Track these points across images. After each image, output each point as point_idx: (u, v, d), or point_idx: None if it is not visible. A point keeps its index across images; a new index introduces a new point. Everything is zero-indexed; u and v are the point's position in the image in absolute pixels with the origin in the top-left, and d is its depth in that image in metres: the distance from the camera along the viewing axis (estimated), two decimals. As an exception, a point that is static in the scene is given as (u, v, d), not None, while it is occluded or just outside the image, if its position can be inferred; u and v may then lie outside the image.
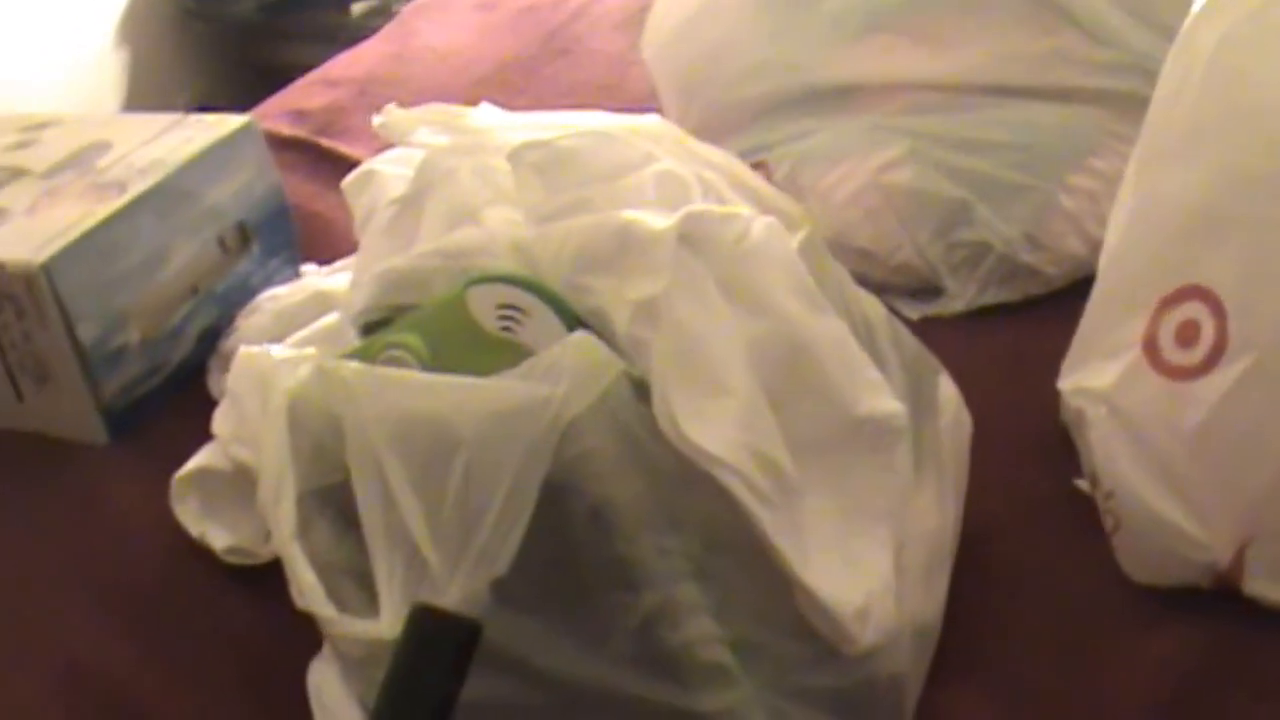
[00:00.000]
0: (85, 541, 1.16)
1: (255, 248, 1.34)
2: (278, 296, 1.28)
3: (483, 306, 0.88)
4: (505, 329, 0.88)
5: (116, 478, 1.22)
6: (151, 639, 1.08)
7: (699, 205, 0.94)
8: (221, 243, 1.31)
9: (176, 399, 1.27)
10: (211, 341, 1.30)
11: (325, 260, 1.37)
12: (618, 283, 0.87)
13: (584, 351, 0.84)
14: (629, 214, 0.89)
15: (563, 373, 0.82)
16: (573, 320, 0.87)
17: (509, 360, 0.85)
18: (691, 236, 0.89)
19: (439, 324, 0.90)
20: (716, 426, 0.85)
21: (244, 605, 1.09)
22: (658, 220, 0.88)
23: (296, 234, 1.40)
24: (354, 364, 0.88)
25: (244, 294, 1.32)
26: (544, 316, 0.87)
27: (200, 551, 1.12)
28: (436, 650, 0.80)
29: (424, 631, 0.80)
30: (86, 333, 1.19)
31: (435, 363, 0.89)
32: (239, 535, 1.10)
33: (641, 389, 0.85)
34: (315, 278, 1.32)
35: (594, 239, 0.89)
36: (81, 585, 1.12)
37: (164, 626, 1.09)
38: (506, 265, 0.91)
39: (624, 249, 0.88)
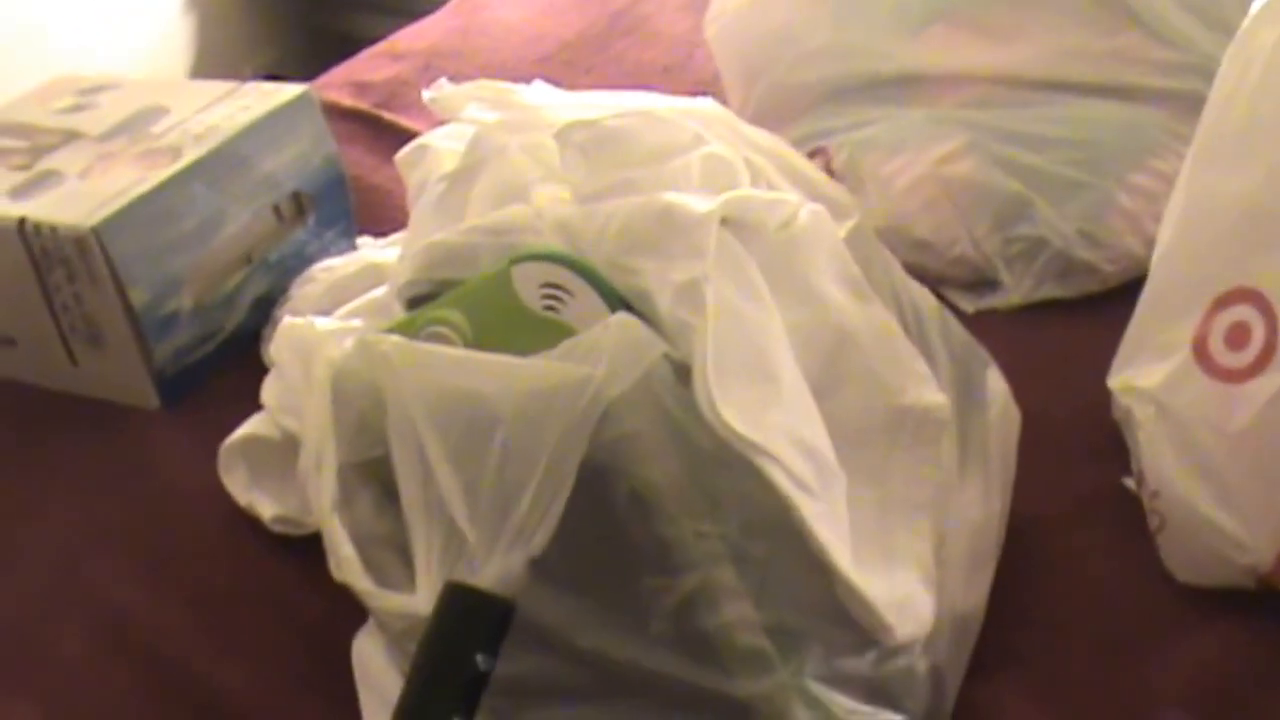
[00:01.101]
0: (135, 505, 1.17)
1: (311, 217, 1.34)
2: (332, 267, 1.28)
3: (527, 284, 0.88)
4: (548, 308, 0.88)
5: (167, 443, 1.22)
6: (199, 603, 1.08)
7: (744, 189, 0.93)
8: (277, 211, 1.31)
9: (230, 366, 1.28)
10: (266, 310, 1.30)
11: (383, 233, 1.37)
12: (661, 264, 0.87)
13: (626, 332, 0.83)
14: (672, 196, 0.88)
15: (604, 353, 0.82)
16: (616, 301, 0.87)
17: (551, 339, 0.85)
18: (735, 220, 0.89)
19: (482, 300, 0.90)
20: (757, 412, 0.84)
21: (292, 573, 1.09)
22: (702, 203, 0.88)
23: (354, 205, 1.40)
24: (396, 338, 0.88)
25: (299, 263, 1.32)
26: (587, 296, 0.87)
27: (249, 518, 1.13)
28: (468, 628, 0.80)
29: (456, 609, 0.81)
30: (138, 297, 1.19)
31: (477, 339, 0.89)
32: (286, 505, 1.11)
33: (683, 372, 0.85)
34: (370, 250, 1.32)
35: (637, 220, 0.88)
36: (131, 548, 1.13)
37: (212, 591, 1.10)
38: (551, 244, 0.91)
39: (667, 231, 0.87)
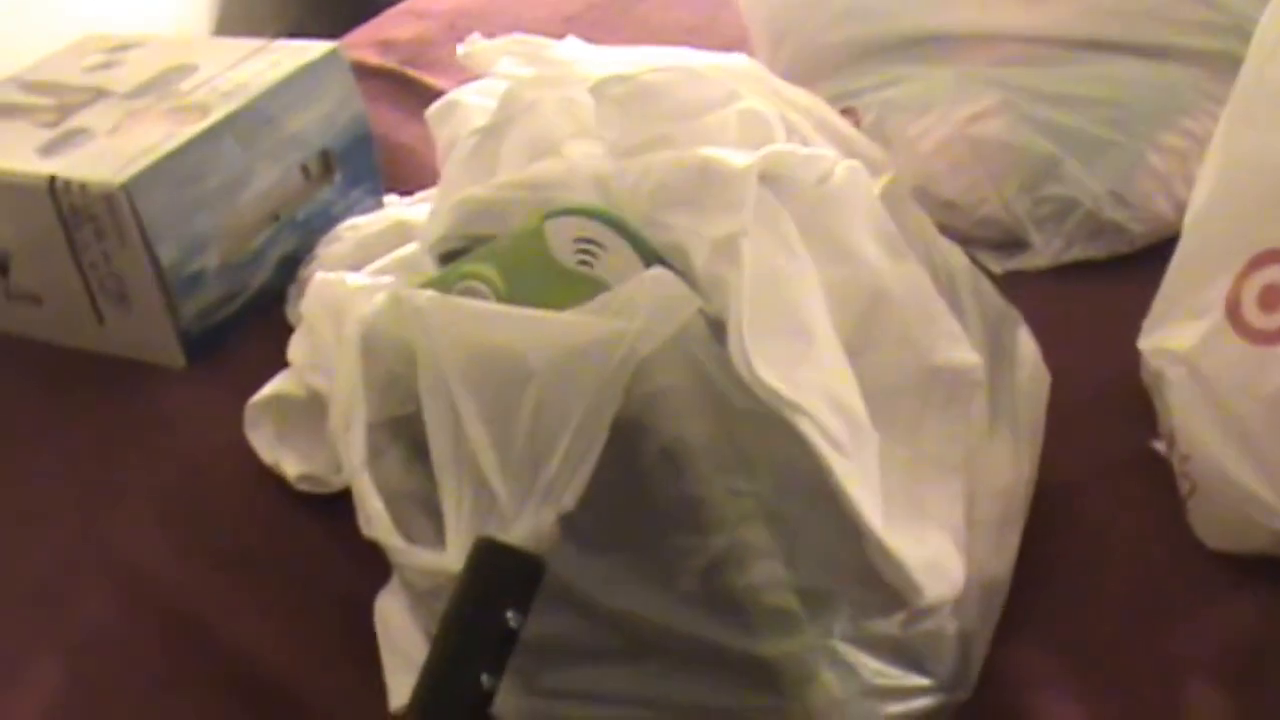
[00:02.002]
0: (161, 464, 1.17)
1: (338, 176, 1.33)
2: (358, 226, 1.28)
3: (560, 239, 0.88)
4: (582, 263, 0.87)
5: (192, 402, 1.22)
6: (223, 562, 1.08)
7: (781, 145, 0.93)
8: (304, 170, 1.31)
9: (255, 325, 1.27)
10: (291, 268, 1.30)
11: (408, 191, 1.36)
12: (697, 220, 0.86)
13: (660, 288, 0.82)
14: (709, 151, 0.88)
15: (638, 309, 0.81)
16: (651, 256, 0.86)
17: (585, 294, 0.84)
18: (773, 176, 0.88)
19: (515, 256, 0.89)
20: (792, 369, 0.84)
21: (317, 532, 1.09)
22: (739, 158, 0.87)
23: (380, 164, 1.39)
24: (428, 293, 0.87)
25: (325, 222, 1.32)
26: (622, 251, 0.86)
27: (274, 477, 1.12)
28: (500, 585, 0.80)
29: (487, 565, 0.81)
30: (166, 254, 1.19)
31: (510, 295, 0.88)
32: (312, 463, 1.11)
33: (717, 328, 0.84)
34: (397, 208, 1.31)
35: (674, 175, 0.88)
36: (155, 507, 1.13)
37: (236, 550, 1.10)
38: (586, 199, 0.90)
39: (704, 186, 0.87)
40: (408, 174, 1.40)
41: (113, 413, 1.22)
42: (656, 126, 0.93)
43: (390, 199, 1.37)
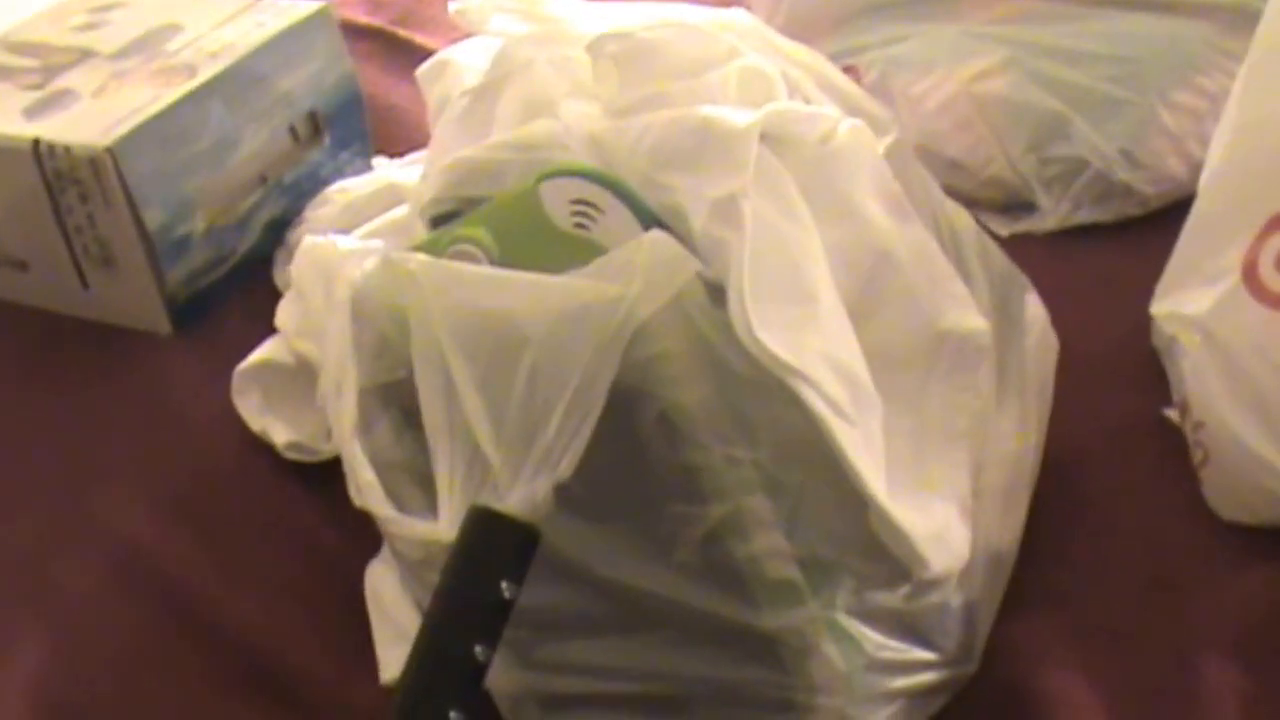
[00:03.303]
0: (147, 432, 1.15)
1: (326, 138, 1.31)
2: (347, 189, 1.26)
3: (556, 201, 0.85)
4: (578, 225, 0.84)
5: (179, 368, 1.20)
6: (212, 532, 1.07)
7: (783, 103, 0.90)
8: (292, 131, 1.28)
9: (242, 291, 1.25)
10: (279, 232, 1.28)
11: (399, 154, 1.34)
12: (696, 180, 0.83)
13: (659, 250, 0.80)
14: (709, 109, 0.85)
15: (635, 272, 0.79)
16: (648, 218, 0.84)
17: (581, 257, 0.82)
18: (774, 135, 0.85)
19: (510, 218, 0.87)
20: (793, 334, 0.81)
21: (306, 501, 1.08)
22: (739, 116, 0.84)
23: (369, 125, 1.37)
24: (421, 257, 0.85)
25: (314, 185, 1.30)
26: (618, 213, 0.84)
27: (262, 445, 1.11)
28: (494, 554, 0.79)
29: (481, 534, 0.79)
30: (152, 218, 1.17)
31: (504, 258, 0.86)
32: (300, 431, 1.09)
33: (717, 292, 0.81)
34: (385, 170, 1.29)
35: (672, 134, 0.85)
36: (142, 476, 1.11)
37: (225, 520, 1.08)
38: (582, 159, 0.87)
39: (703, 145, 0.84)
40: (398, 135, 1.38)
41: (98, 380, 1.20)
42: (654, 85, 0.90)
43: (380, 161, 1.35)
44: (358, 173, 1.32)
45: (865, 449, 0.83)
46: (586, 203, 0.84)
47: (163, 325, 1.22)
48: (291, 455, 1.09)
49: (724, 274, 0.81)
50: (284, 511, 1.08)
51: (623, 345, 0.78)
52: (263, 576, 1.04)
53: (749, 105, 0.87)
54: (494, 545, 0.79)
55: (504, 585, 0.77)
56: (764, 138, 0.85)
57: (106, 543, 1.06)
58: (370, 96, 1.38)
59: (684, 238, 0.83)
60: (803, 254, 0.84)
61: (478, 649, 0.77)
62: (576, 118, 0.91)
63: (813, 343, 0.82)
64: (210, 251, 1.23)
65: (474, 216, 0.89)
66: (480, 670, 0.77)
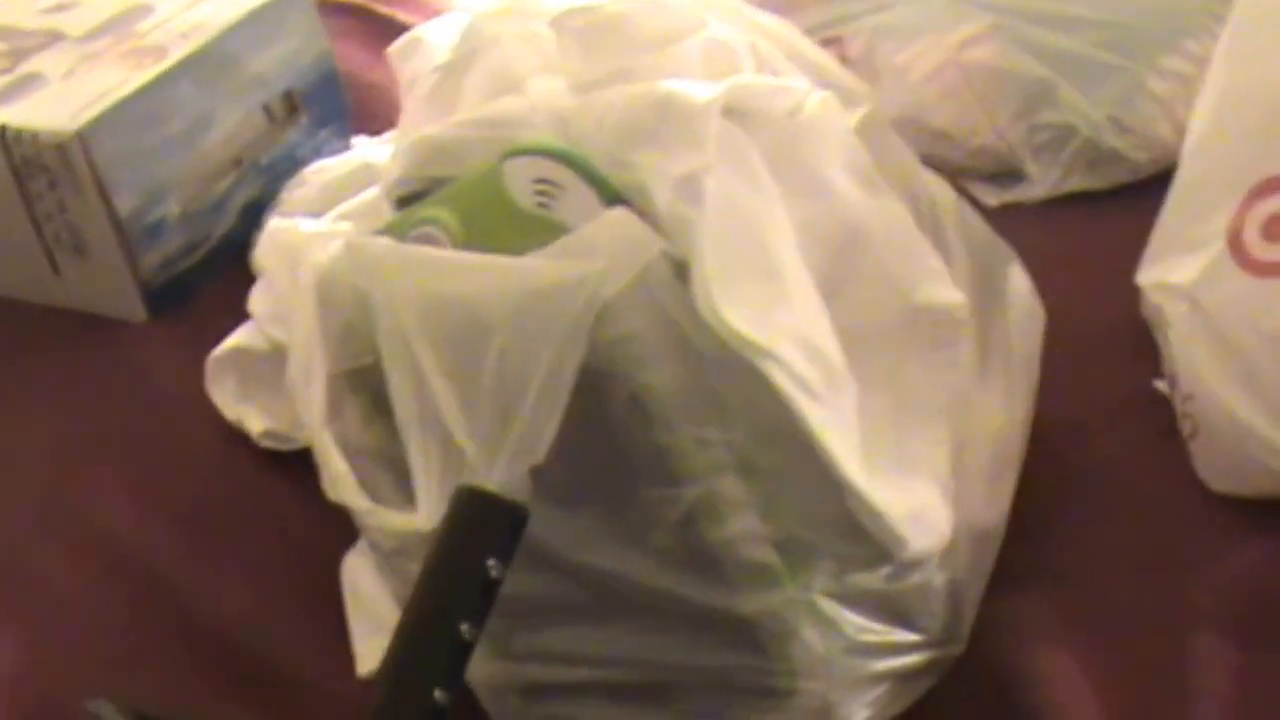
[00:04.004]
0: (122, 421, 1.14)
1: (303, 118, 1.30)
2: (324, 169, 1.24)
3: (518, 181, 0.83)
4: (540, 204, 0.82)
5: (155, 356, 1.19)
6: (189, 521, 1.06)
7: (748, 77, 0.88)
8: (268, 111, 1.27)
9: (219, 276, 1.24)
10: (256, 216, 1.25)
11: (378, 132, 1.31)
12: (659, 157, 0.81)
13: (621, 229, 0.78)
14: (671, 85, 0.83)
15: (598, 251, 0.77)
16: (612, 196, 0.82)
17: (544, 237, 0.80)
18: (740, 109, 0.83)
19: (473, 198, 0.85)
20: (760, 312, 0.79)
21: (283, 489, 1.07)
22: (701, 91, 0.82)
23: (347, 104, 1.35)
24: (383, 241, 0.84)
25: (291, 166, 1.28)
26: (580, 192, 0.82)
27: (239, 433, 1.10)
28: (481, 533, 0.78)
29: (468, 513, 0.78)
30: (123, 204, 1.15)
31: (468, 240, 0.84)
32: (276, 418, 1.08)
33: (682, 270, 0.79)
34: (364, 149, 1.27)
35: (635, 111, 0.83)
36: (119, 465, 1.11)
37: (201, 509, 1.07)
38: (547, 137, 0.86)
39: (665, 121, 0.82)
40: (378, 113, 1.36)
41: (73, 369, 1.20)
42: (619, 60, 0.88)
43: (359, 140, 1.33)
44: (336, 152, 1.30)
45: (838, 430, 0.82)
46: (548, 181, 0.82)
47: (138, 312, 1.21)
48: (268, 443, 1.08)
49: (690, 252, 0.79)
50: (262, 499, 1.07)
51: (589, 327, 0.76)
52: (240, 565, 1.03)
53: (714, 79, 0.85)
54: (483, 524, 0.78)
55: (491, 564, 0.77)
56: (730, 112, 0.83)
57: (83, 532, 1.05)
58: (349, 74, 1.37)
59: (649, 216, 0.81)
60: (769, 230, 0.82)
61: (464, 628, 0.76)
62: (542, 94, 0.89)
63: (780, 321, 0.80)
64: (185, 236, 1.22)
65: (438, 197, 0.87)
66: (466, 649, 0.76)
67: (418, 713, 0.75)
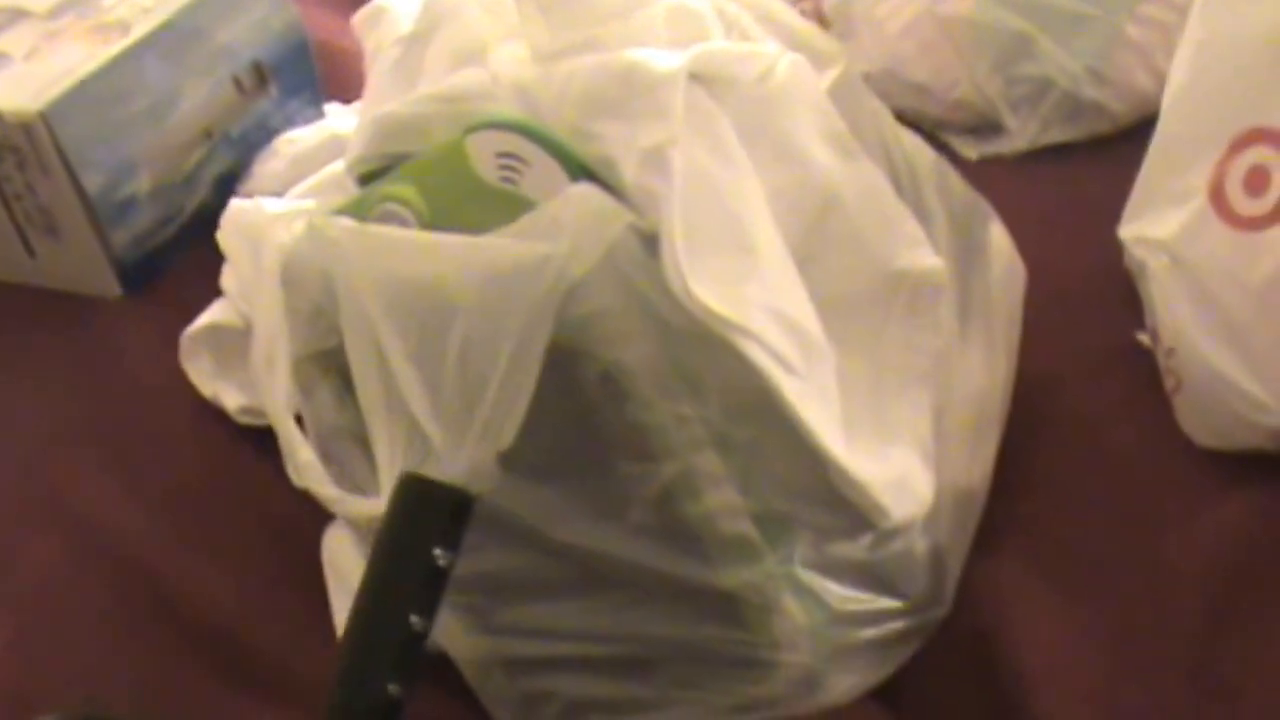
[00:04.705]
0: (100, 401, 1.13)
1: (273, 87, 1.28)
2: (295, 140, 1.23)
3: (482, 155, 0.81)
4: (505, 179, 0.81)
5: (131, 333, 1.18)
6: (166, 500, 1.04)
7: (714, 43, 0.86)
8: (237, 83, 1.25)
9: (194, 250, 1.21)
10: (229, 188, 1.24)
11: (352, 99, 1.30)
12: (624, 128, 0.80)
13: (587, 204, 0.77)
14: (635, 54, 0.81)
15: (564, 228, 0.76)
16: (578, 170, 0.80)
17: (511, 213, 0.79)
18: (706, 77, 0.82)
19: (437, 175, 0.84)
20: (732, 285, 0.78)
21: (262, 466, 1.04)
22: (666, 60, 0.81)
23: (320, 72, 1.33)
24: (345, 221, 0.82)
25: (263, 136, 1.26)
26: (546, 166, 0.80)
27: (216, 410, 1.08)
28: (424, 521, 0.77)
29: (413, 502, 0.77)
30: (92, 182, 1.13)
31: (433, 217, 0.83)
32: (252, 395, 1.06)
33: (652, 244, 0.78)
34: (336, 118, 1.26)
35: (599, 81, 0.81)
36: (94, 444, 1.09)
37: (179, 488, 1.06)
38: (508, 110, 0.84)
39: (630, 92, 0.80)
40: (351, 81, 1.33)
41: (49, 349, 1.18)
42: (582, 29, 0.86)
43: (333, 108, 1.31)
44: (309, 121, 1.28)
45: (815, 401, 0.81)
46: (513, 155, 0.81)
47: (113, 289, 1.19)
48: (244, 420, 1.06)
49: (659, 226, 0.78)
50: (239, 477, 1.05)
51: (555, 307, 0.75)
52: (218, 544, 1.01)
53: (680, 46, 0.83)
54: (425, 513, 0.77)
55: (438, 553, 0.76)
56: (698, 79, 0.81)
57: (62, 515, 1.04)
58: (321, 42, 1.35)
59: (616, 189, 0.80)
60: (740, 201, 0.81)
61: (414, 619, 0.75)
62: (505, 66, 0.87)
63: (753, 294, 0.79)
64: (157, 212, 1.20)
65: (400, 174, 0.86)
66: (418, 640, 0.76)
67: (371, 708, 0.74)
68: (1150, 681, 0.86)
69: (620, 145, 0.80)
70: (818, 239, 0.85)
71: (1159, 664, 0.87)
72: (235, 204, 0.95)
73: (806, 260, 0.84)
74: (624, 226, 0.77)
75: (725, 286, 0.78)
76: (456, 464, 0.76)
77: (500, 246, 0.77)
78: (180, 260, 1.22)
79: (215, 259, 1.12)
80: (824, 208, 0.85)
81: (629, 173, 0.79)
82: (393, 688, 0.74)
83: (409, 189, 0.83)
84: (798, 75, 0.86)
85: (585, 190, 0.78)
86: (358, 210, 0.85)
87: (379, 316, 0.78)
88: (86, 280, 1.19)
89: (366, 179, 0.90)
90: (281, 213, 0.91)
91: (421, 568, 0.76)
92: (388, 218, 0.83)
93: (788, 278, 0.82)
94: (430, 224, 0.82)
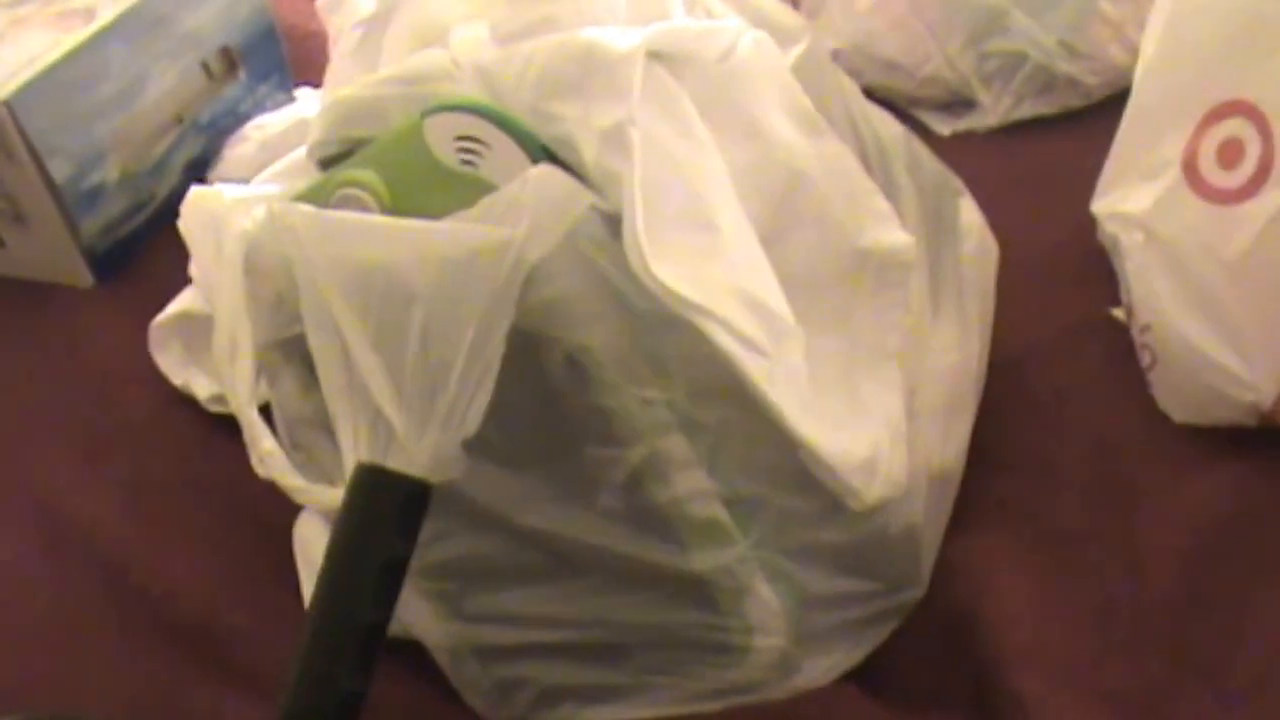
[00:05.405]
0: (70, 391, 1.12)
1: (242, 73, 1.27)
2: (264, 125, 1.22)
3: (441, 138, 0.80)
4: (465, 162, 0.80)
5: (102, 321, 1.18)
6: (136, 489, 1.04)
7: (674, 21, 0.85)
8: (205, 68, 1.24)
9: (165, 237, 1.20)
10: (200, 173, 1.24)
11: (322, 84, 1.29)
12: (584, 108, 0.78)
13: (547, 186, 0.75)
14: (594, 33, 0.80)
15: (524, 210, 0.74)
16: (537, 151, 0.79)
17: (471, 196, 0.77)
18: (666, 54, 0.80)
19: (396, 158, 0.82)
20: (696, 266, 0.77)
21: (231, 456, 1.01)
22: (624, 39, 0.79)
23: (290, 56, 1.33)
24: (304, 208, 0.80)
25: (233, 121, 1.26)
26: (506, 147, 0.79)
27: (187, 399, 1.08)
28: (378, 511, 0.76)
29: (367, 492, 0.76)
30: (59, 170, 1.13)
31: (394, 201, 0.81)
32: (223, 383, 1.05)
33: (615, 225, 0.77)
34: (306, 103, 1.25)
35: (557, 61, 0.80)
36: (65, 433, 1.09)
37: (150, 477, 1.05)
38: (467, 92, 0.83)
39: (588, 71, 0.78)
40: (321, 64, 1.31)
41: (19, 338, 1.18)
42: (541, 7, 0.85)
43: (304, 92, 1.30)
44: (279, 106, 1.28)
45: (783, 382, 0.80)
46: (472, 138, 0.79)
47: (83, 278, 1.19)
48: (215, 408, 1.06)
49: (621, 206, 0.77)
50: (210, 466, 1.05)
51: (515, 291, 0.74)
52: (188, 533, 1.01)
53: (641, 24, 0.82)
54: (382, 503, 0.76)
55: (394, 543, 0.75)
56: (659, 58, 0.80)
57: (30, 505, 1.04)
58: (290, 27, 1.34)
59: (577, 170, 0.78)
60: (703, 180, 0.80)
61: (370, 610, 0.75)
62: (465, 46, 0.86)
63: (718, 274, 0.78)
64: (127, 199, 1.20)
65: (360, 158, 0.84)
66: (375, 631, 0.75)
67: (326, 701, 0.74)
68: (1131, 658, 0.85)
69: (580, 125, 0.78)
70: (784, 217, 0.84)
71: (1139, 641, 0.86)
72: (196, 190, 0.94)
73: (773, 238, 0.83)
74: (585, 208, 0.76)
75: (689, 267, 0.77)
76: (420, 451, 0.75)
77: (459, 231, 0.76)
78: (151, 248, 1.21)
79: (186, 247, 1.12)
80: (790, 185, 0.84)
81: (589, 153, 0.78)
82: (349, 680, 0.73)
83: (369, 173, 0.82)
84: (761, 52, 0.85)
85: (544, 172, 0.76)
86: (318, 195, 0.83)
87: (339, 303, 0.77)
88: (56, 269, 1.19)
89: (327, 163, 0.89)
90: (242, 199, 0.89)
91: (378, 559, 0.75)
92: (347, 202, 0.82)
93: (753, 256, 0.81)
94: (391, 208, 0.81)
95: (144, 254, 1.21)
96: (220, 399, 1.06)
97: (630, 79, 0.77)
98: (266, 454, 0.84)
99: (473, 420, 0.75)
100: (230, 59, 1.26)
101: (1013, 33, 1.23)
